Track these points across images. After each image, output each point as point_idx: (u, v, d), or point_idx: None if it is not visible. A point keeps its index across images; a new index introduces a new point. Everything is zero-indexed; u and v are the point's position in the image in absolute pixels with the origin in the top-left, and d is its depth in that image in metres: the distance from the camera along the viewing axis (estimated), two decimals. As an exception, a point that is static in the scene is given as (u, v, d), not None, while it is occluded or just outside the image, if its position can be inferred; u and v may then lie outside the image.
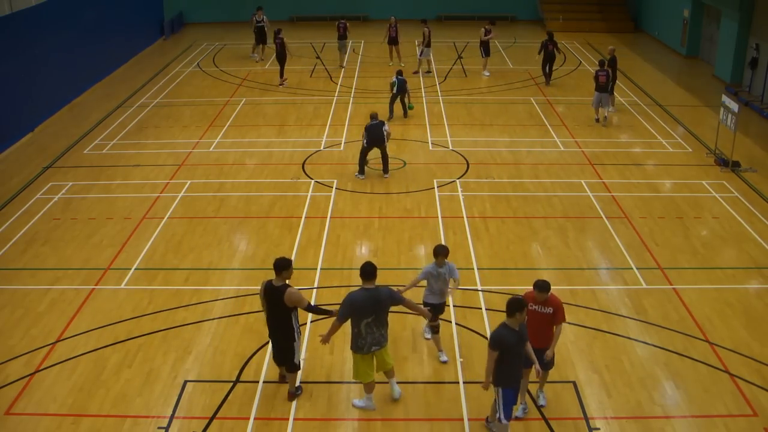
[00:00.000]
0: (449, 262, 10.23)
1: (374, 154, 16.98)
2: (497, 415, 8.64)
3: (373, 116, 16.89)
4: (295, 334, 9.40)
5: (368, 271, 9.11)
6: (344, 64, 26.88)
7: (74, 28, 23.76)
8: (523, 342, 8.49)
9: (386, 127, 16.79)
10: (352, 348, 9.32)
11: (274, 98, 23.29)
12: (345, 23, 26.92)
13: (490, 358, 8.42)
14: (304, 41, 28.63)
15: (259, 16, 26.80)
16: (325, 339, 9.26)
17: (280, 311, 9.27)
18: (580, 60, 27.76)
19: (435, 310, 10.33)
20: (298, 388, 9.88)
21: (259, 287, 9.45)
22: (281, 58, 24.45)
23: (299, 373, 9.92)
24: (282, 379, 9.99)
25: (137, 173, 17.44)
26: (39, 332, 11.30)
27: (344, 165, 17.74)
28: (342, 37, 26.76)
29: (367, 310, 9.02)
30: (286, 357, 9.54)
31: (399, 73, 20.74)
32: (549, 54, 24.18)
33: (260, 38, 27.48)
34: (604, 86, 20.23)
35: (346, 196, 15.99)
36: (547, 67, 24.42)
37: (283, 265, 9.22)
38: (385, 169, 16.95)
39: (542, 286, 8.87)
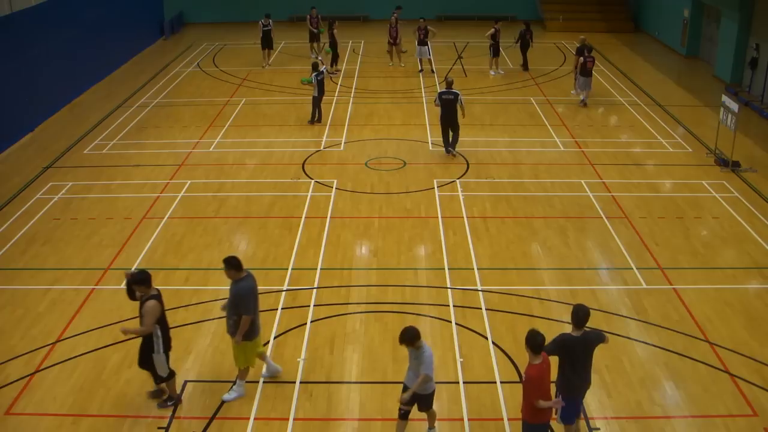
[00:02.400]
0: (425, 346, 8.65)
1: (374, 153, 16.97)
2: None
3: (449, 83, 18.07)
4: (155, 347, 9.30)
5: (237, 263, 9.37)
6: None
7: (74, 28, 23.77)
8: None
9: (461, 97, 17.78)
10: (246, 338, 9.42)
11: (274, 98, 23.30)
12: (318, 16, 26.45)
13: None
14: (304, 41, 28.62)
15: (266, 21, 26.41)
16: (240, 340, 9.43)
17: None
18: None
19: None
20: (171, 397, 9.68)
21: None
22: (334, 47, 25.97)
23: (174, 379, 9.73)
24: (153, 395, 9.80)
25: (137, 173, 17.44)
26: (39, 332, 11.30)
27: (344, 165, 17.74)
28: (314, 33, 26.40)
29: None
30: (150, 365, 9.48)
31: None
32: (525, 43, 25.88)
33: (266, 43, 26.93)
34: (590, 71, 22.32)
35: (346, 196, 16.00)
36: (524, 56, 26.08)
37: (143, 279, 9.22)
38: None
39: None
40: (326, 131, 20.12)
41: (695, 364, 10.49)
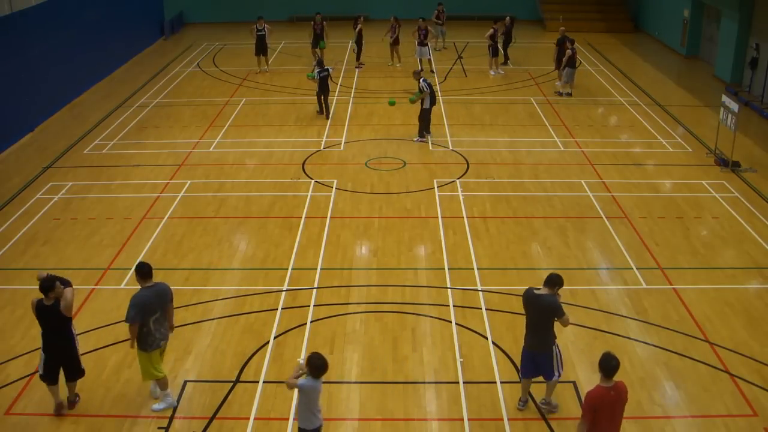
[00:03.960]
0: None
1: (374, 153, 16.97)
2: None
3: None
4: (76, 341, 9.49)
5: (144, 271, 9.27)
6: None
7: (74, 28, 23.77)
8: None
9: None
10: (140, 348, 9.34)
11: (274, 98, 23.29)
12: (322, 22, 26.36)
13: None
14: (303, 41, 28.60)
15: (260, 24, 25.74)
16: (132, 345, 9.36)
17: (57, 325, 9.28)
18: (580, 60, 27.72)
19: None
20: (77, 395, 9.76)
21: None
22: (360, 43, 26.73)
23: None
24: (59, 409, 9.57)
25: (137, 173, 17.44)
26: (39, 332, 11.22)
27: (344, 165, 17.74)
28: (318, 37, 26.23)
29: (154, 306, 9.24)
30: (74, 367, 9.49)
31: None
32: (509, 37, 26.55)
33: (260, 49, 25.95)
34: (575, 62, 23.05)
35: (346, 196, 16.00)
36: (506, 49, 26.64)
37: (49, 285, 9.12)
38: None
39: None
40: (326, 131, 20.12)
41: (695, 364, 10.49)
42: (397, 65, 26.82)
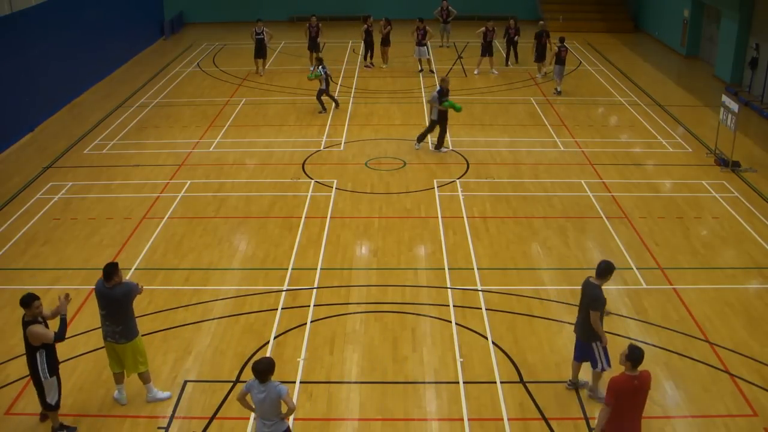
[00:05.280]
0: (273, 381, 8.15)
1: (374, 153, 16.95)
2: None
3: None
4: (41, 373, 8.95)
5: (108, 271, 9.37)
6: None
7: (74, 28, 23.77)
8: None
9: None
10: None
11: (274, 98, 23.29)
12: (318, 24, 26.12)
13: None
14: (303, 41, 28.58)
15: (259, 27, 25.48)
16: None
17: (26, 347, 9.01)
18: (580, 60, 27.75)
19: None
20: (62, 425, 9.25)
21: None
22: (369, 42, 26.68)
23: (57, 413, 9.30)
24: (43, 417, 9.46)
25: (137, 173, 17.44)
26: (39, 332, 11.28)
27: (344, 165, 17.74)
28: (314, 39, 26.07)
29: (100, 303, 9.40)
30: (38, 395, 9.11)
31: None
32: (511, 39, 26.62)
33: (259, 52, 25.53)
34: (564, 59, 23.21)
35: (346, 196, 15.99)
36: (511, 49, 26.83)
37: (24, 303, 8.98)
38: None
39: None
40: (326, 131, 20.12)
41: (695, 364, 10.49)
42: (383, 66, 26.70)
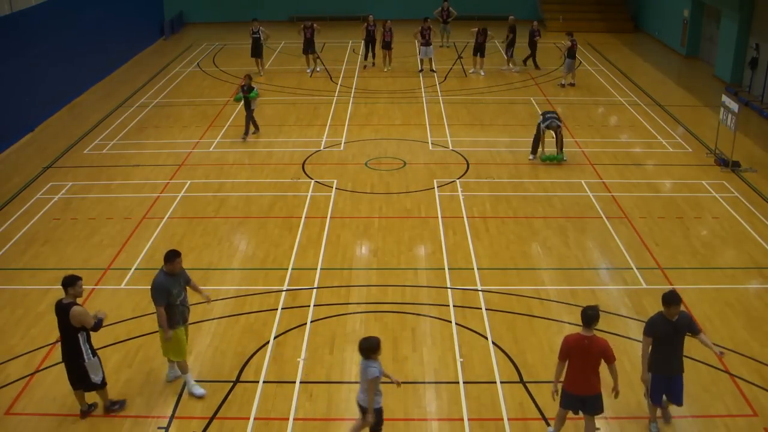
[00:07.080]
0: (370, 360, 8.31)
1: (374, 153, 16.96)
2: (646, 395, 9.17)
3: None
4: (85, 354, 9.18)
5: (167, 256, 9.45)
6: (317, 68, 26.25)
7: (74, 28, 23.76)
8: (679, 333, 8.68)
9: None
10: (171, 327, 9.54)
11: (274, 98, 23.29)
12: (312, 26, 25.79)
13: (645, 344, 8.76)
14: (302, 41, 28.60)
15: (255, 27, 25.38)
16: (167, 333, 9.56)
17: (67, 330, 9.14)
18: (580, 60, 27.74)
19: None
20: (115, 402, 9.61)
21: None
22: (370, 42, 26.64)
23: (106, 389, 9.58)
24: (84, 415, 9.51)
25: (137, 173, 17.44)
26: (39, 332, 11.30)
27: (344, 165, 17.74)
28: (309, 41, 25.77)
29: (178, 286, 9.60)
30: (79, 377, 9.26)
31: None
32: (513, 39, 26.45)
33: (255, 51, 25.46)
34: (575, 53, 23.90)
35: (346, 196, 16.00)
36: (511, 51, 26.60)
37: (67, 282, 9.08)
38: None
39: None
40: (326, 131, 20.12)
41: (695, 364, 10.48)
42: (385, 69, 26.64)
